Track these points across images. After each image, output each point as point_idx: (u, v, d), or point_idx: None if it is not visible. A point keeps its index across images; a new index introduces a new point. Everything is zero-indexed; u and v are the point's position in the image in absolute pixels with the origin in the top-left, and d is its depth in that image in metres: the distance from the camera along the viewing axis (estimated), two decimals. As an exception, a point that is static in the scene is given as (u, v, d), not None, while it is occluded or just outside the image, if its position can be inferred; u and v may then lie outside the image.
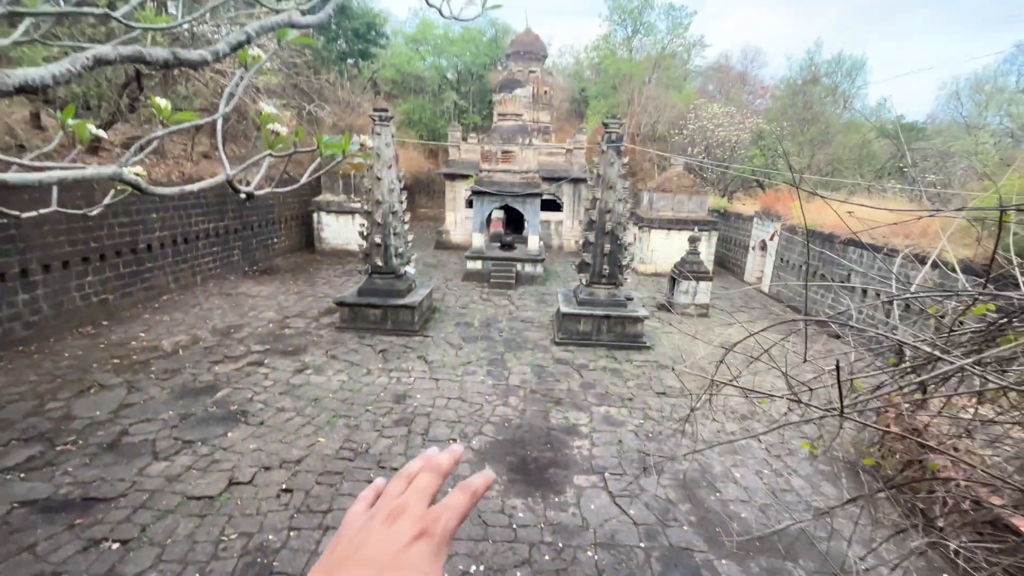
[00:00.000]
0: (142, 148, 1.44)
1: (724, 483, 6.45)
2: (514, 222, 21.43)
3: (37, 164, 1.43)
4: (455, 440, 7.10)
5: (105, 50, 0.94)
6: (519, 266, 17.06)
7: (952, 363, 1.21)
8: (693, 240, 14.30)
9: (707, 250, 18.49)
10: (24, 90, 0.84)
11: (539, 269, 17.22)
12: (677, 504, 5.99)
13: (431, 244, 23.36)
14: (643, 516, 5.75)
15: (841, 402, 1.18)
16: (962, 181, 20.16)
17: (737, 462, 6.93)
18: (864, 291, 12.26)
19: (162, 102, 1.40)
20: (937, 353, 1.29)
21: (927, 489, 1.90)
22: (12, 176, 0.90)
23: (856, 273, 12.58)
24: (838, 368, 1.17)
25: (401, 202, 11.49)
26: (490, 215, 18.54)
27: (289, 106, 19.44)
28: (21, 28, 1.81)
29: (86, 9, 1.81)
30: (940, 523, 2.03)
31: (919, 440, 1.34)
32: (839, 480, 5.98)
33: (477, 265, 17.18)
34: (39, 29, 2.02)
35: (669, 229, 18.92)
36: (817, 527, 5.43)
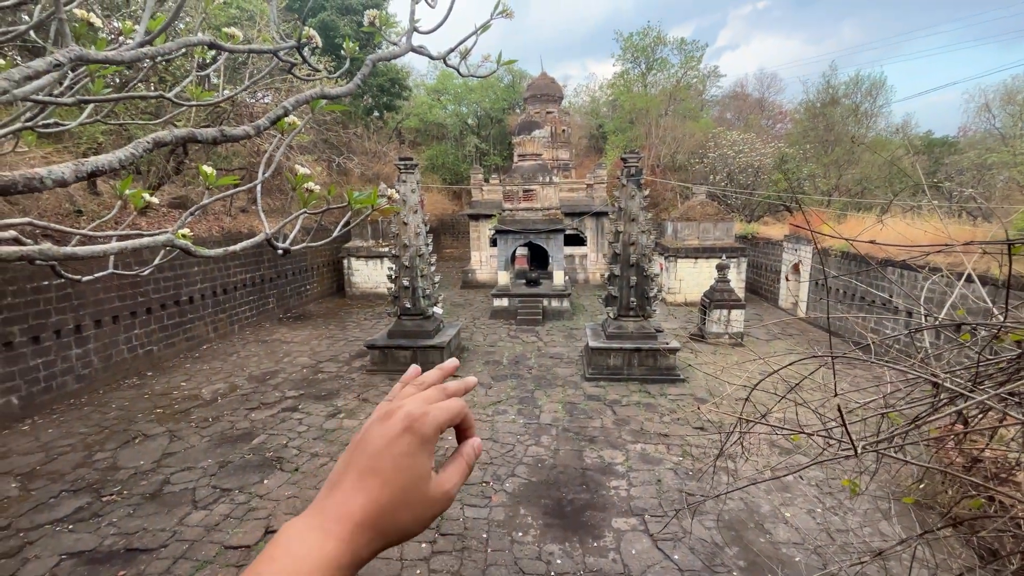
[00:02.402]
0: (191, 213, 1.57)
1: (774, 523, 6.08)
2: (539, 258, 21.61)
3: (97, 233, 1.58)
4: (488, 483, 6.97)
5: (163, 134, 1.05)
6: (545, 302, 17.07)
7: (973, 396, 1.16)
8: (722, 268, 14.07)
9: (737, 277, 18.12)
10: (96, 175, 0.95)
11: (566, 304, 17.17)
12: (724, 547, 5.66)
13: (458, 284, 23.69)
14: (688, 561, 5.45)
15: (852, 441, 1.14)
16: (1004, 193, 19.38)
17: (786, 500, 6.54)
18: (909, 313, 11.72)
19: (208, 169, 1.53)
20: (950, 386, 1.22)
21: (993, 527, 1.76)
22: (82, 249, 1.01)
23: (896, 294, 12.07)
24: (840, 411, 1.13)
25: (427, 244, 11.79)
26: (514, 252, 18.77)
27: (320, 160, 20.53)
28: (87, 111, 2.02)
29: (143, 93, 2.02)
30: (1013, 563, 1.86)
31: (962, 475, 1.26)
32: (892, 518, 5.56)
33: (504, 303, 17.28)
34: (102, 111, 2.24)
35: (696, 258, 18.70)
36: (878, 570, 5.02)
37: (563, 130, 27.75)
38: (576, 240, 23.47)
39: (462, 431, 0.68)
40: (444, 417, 0.62)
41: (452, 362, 0.73)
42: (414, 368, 0.72)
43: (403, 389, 0.68)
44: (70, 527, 5.99)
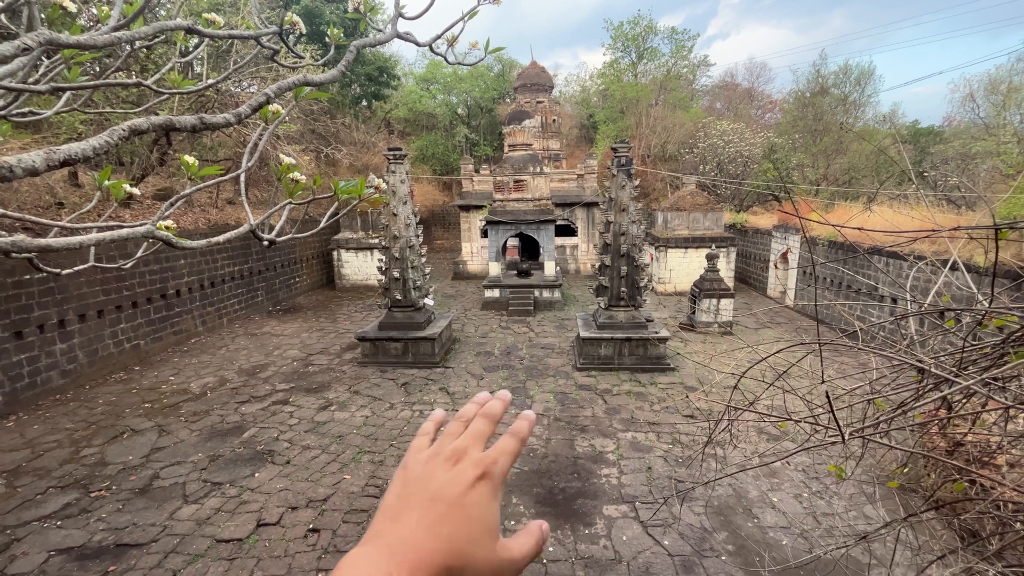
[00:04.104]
0: (172, 204, 1.53)
1: (762, 508, 6.19)
2: (530, 249, 21.58)
3: (76, 225, 1.53)
4: (480, 472, 7.00)
5: (139, 121, 1.02)
6: (536, 292, 17.08)
7: (959, 382, 1.17)
8: (711, 257, 14.17)
9: (726, 267, 18.26)
10: (68, 163, 0.92)
11: (557, 294, 17.20)
12: (713, 532, 5.75)
13: (449, 275, 23.61)
14: (678, 546, 5.54)
15: (839, 428, 1.15)
16: (987, 182, 19.63)
17: (774, 486, 6.66)
18: (894, 300, 11.90)
19: (190, 159, 1.49)
20: (936, 371, 1.25)
21: (974, 509, 1.81)
22: (56, 241, 0.98)
23: (882, 283, 12.24)
24: (828, 397, 1.15)
25: (417, 236, 11.72)
26: (505, 243, 18.73)
27: (307, 150, 20.22)
28: (63, 99, 1.96)
29: (121, 80, 1.96)
30: (993, 544, 1.91)
31: (945, 459, 1.28)
32: (876, 502, 5.69)
33: (495, 294, 17.27)
34: (79, 99, 2.18)
35: (686, 247, 18.80)
36: (863, 552, 5.14)
37: (554, 120, 27.59)
38: (567, 230, 23.45)
39: None
40: (510, 461, 0.61)
41: (503, 395, 0.70)
42: (439, 412, 0.71)
43: (449, 427, 0.66)
44: (58, 523, 5.92)
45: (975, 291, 1.50)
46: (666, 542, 5.60)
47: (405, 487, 0.58)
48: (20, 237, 0.95)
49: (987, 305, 1.27)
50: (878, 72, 31.25)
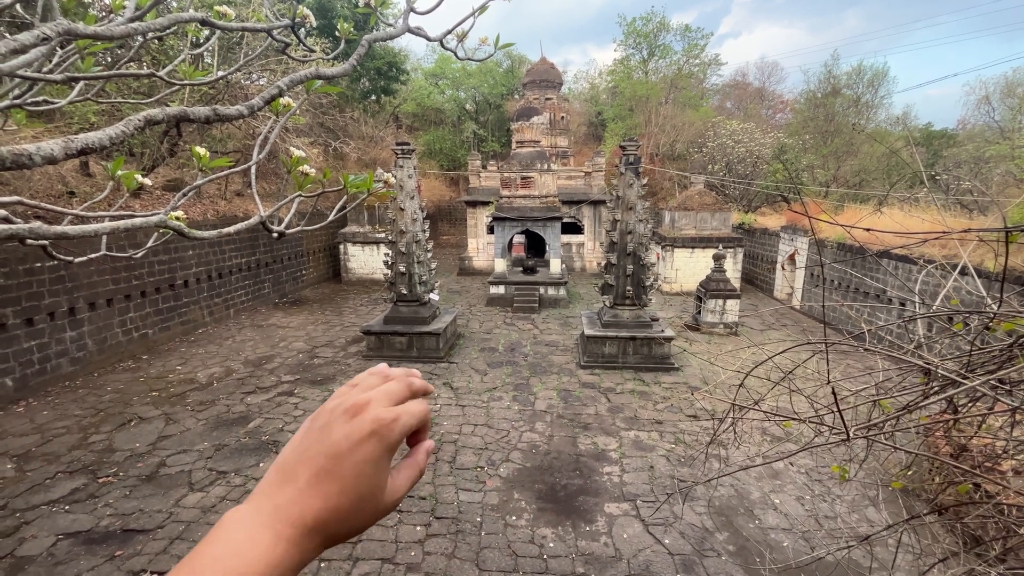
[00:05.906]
0: (184, 195, 1.55)
1: (763, 509, 6.18)
2: (536, 246, 21.56)
3: (89, 214, 1.56)
4: (482, 467, 7.04)
5: (155, 112, 1.03)
6: (542, 290, 17.08)
7: (965, 384, 1.17)
8: (718, 258, 14.10)
9: (733, 267, 18.15)
10: (85, 152, 0.93)
11: (562, 292, 17.19)
12: (714, 532, 5.76)
13: (454, 271, 23.64)
14: (679, 545, 5.54)
15: (846, 427, 1.15)
16: (1000, 187, 19.39)
17: (776, 487, 6.64)
18: (902, 303, 11.80)
19: (200, 150, 1.51)
20: (943, 372, 1.24)
21: (977, 513, 1.80)
22: (72, 228, 0.99)
23: (891, 286, 12.14)
24: (835, 394, 1.15)
25: (424, 231, 11.74)
26: (512, 240, 18.71)
27: (316, 143, 20.29)
28: (76, 89, 1.99)
29: (134, 71, 1.98)
30: (995, 548, 1.91)
31: (950, 463, 1.28)
32: (879, 505, 5.67)
33: (500, 290, 17.28)
34: (92, 89, 2.21)
35: (693, 247, 18.72)
36: (865, 555, 5.13)
37: (562, 117, 27.50)
38: (573, 228, 23.40)
39: (415, 433, 0.64)
40: (412, 423, 0.59)
41: (420, 382, 0.69)
42: (383, 366, 0.69)
43: (364, 379, 0.64)
44: (66, 508, 6.02)
45: (984, 295, 1.49)
46: (667, 541, 5.60)
47: (305, 438, 0.57)
48: (37, 224, 0.97)
49: (996, 309, 1.26)
50: (892, 73, 30.93)
